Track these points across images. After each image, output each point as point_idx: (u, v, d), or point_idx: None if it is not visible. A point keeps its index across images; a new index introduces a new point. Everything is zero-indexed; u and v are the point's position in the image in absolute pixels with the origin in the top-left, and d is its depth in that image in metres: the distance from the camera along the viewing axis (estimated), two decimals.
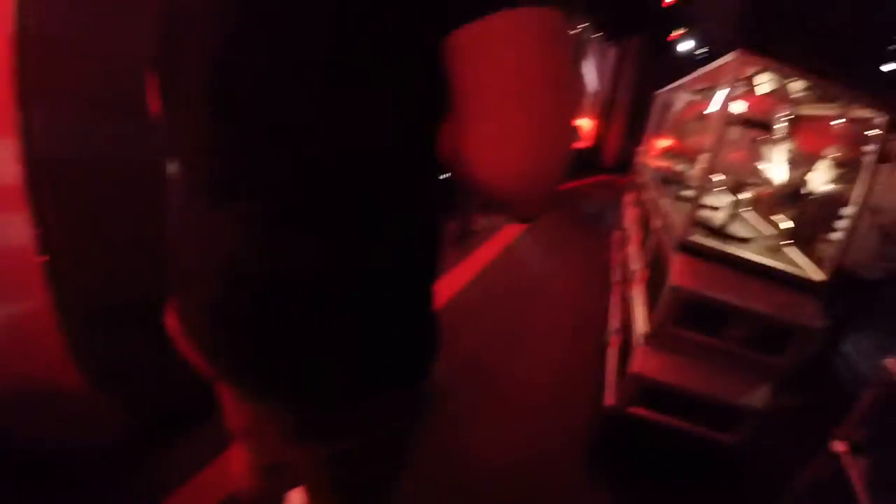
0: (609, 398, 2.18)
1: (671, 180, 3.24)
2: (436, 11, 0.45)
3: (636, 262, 2.85)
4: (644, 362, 1.94)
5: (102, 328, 1.67)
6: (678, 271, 1.85)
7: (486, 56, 0.45)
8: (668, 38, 10.86)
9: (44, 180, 1.46)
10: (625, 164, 10.06)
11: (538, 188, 0.49)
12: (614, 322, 2.89)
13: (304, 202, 0.55)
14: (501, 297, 3.41)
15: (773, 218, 2.21)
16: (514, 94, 0.46)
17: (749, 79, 2.10)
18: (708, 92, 3.34)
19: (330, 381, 0.62)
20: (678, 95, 4.43)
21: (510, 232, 4.96)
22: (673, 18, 9.86)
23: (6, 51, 1.39)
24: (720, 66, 2.13)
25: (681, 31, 10.68)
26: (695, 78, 3.06)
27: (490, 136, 0.47)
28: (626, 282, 2.90)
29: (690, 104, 3.65)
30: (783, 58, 1.72)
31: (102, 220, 1.64)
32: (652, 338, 1.95)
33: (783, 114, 2.04)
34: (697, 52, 10.60)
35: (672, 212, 2.29)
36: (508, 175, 0.48)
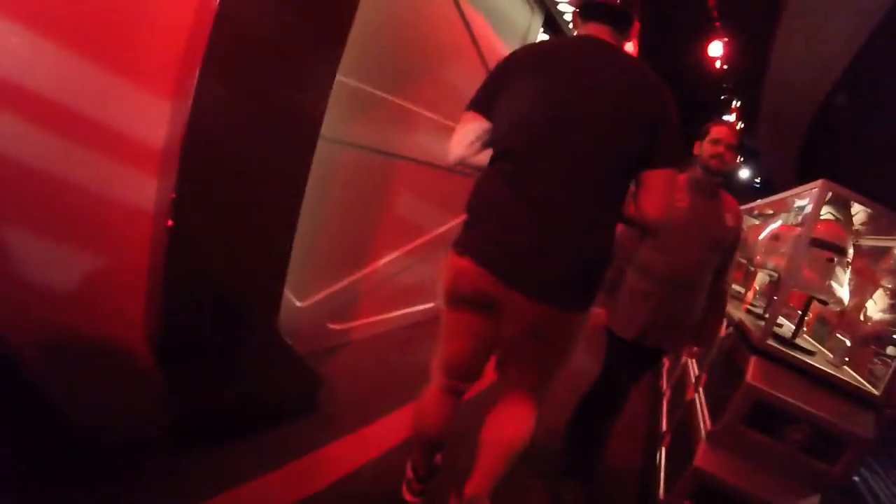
0: (663, 493, 2.21)
1: (737, 296, 3.38)
2: (651, 160, 1.42)
3: (696, 368, 2.93)
4: (706, 458, 1.99)
5: (195, 309, 1.71)
6: (753, 372, 1.97)
7: (656, 176, 1.44)
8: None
9: (195, 150, 1.53)
10: None
11: (658, 220, 1.45)
12: (667, 423, 2.92)
13: (605, 217, 1.47)
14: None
15: (838, 335, 2.34)
16: (659, 190, 1.44)
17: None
18: (772, 216, 3.54)
19: (586, 296, 1.49)
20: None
21: None
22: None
23: (193, 19, 1.55)
24: (793, 194, 2.36)
25: (739, 160, 11.27)
26: (765, 203, 3.30)
27: (649, 199, 1.45)
28: (685, 385, 2.97)
29: (753, 227, 3.85)
30: (863, 191, 1.96)
31: (235, 211, 1.72)
32: (717, 435, 2.02)
33: (852, 239, 2.25)
34: (756, 180, 10.98)
35: (745, 322, 2.42)
36: (650, 213, 1.44)
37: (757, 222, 4.08)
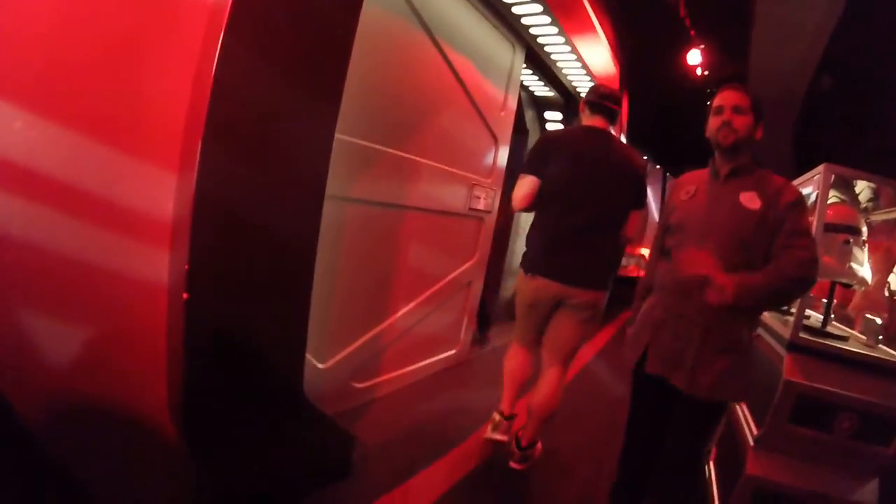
0: None
1: None
2: (633, 205, 2.37)
3: None
4: (757, 464, 1.92)
5: (218, 380, 1.70)
6: (790, 369, 1.93)
7: (635, 214, 2.39)
8: None
9: (205, 219, 1.53)
10: None
11: (634, 239, 2.54)
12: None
13: (609, 237, 2.37)
14: (587, 412, 3.39)
15: (867, 316, 2.27)
16: (636, 222, 2.38)
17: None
18: None
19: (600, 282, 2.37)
20: None
21: (585, 353, 4.96)
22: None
23: (192, 92, 1.54)
24: (797, 183, 2.35)
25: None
26: None
27: (630, 228, 2.39)
28: None
29: None
30: (863, 168, 1.95)
31: (250, 276, 1.72)
32: (764, 439, 1.94)
33: (863, 217, 2.23)
34: None
35: (772, 321, 2.39)
36: (632, 236, 2.40)
37: None
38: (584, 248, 2.32)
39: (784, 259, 1.63)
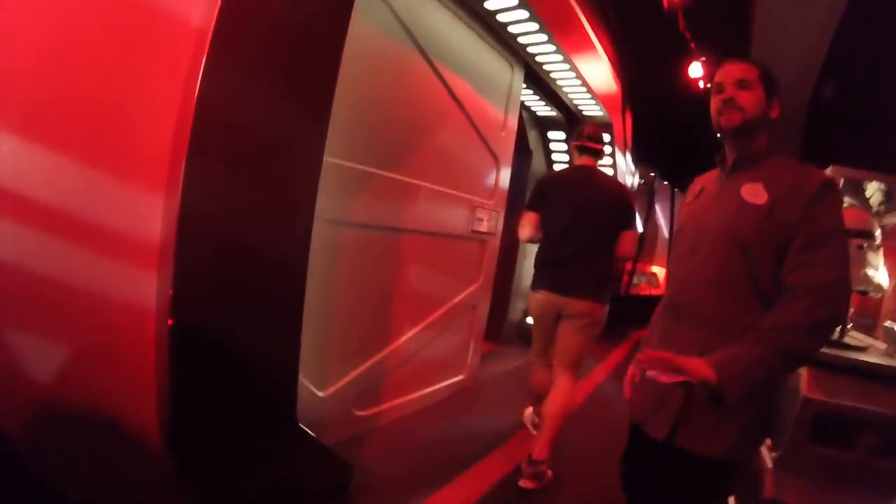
0: None
1: None
2: (622, 226, 2.75)
3: None
4: (776, 486, 1.80)
5: (206, 406, 1.65)
6: (808, 384, 1.82)
7: (625, 234, 2.76)
8: None
9: (190, 242, 1.49)
10: None
11: (630, 257, 3.01)
12: None
13: (601, 255, 2.75)
14: (601, 432, 3.26)
15: (886, 324, 2.15)
16: (627, 241, 2.77)
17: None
18: None
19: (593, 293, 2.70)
20: None
21: (598, 374, 4.83)
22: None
23: (177, 114, 1.50)
24: None
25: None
26: None
27: (622, 246, 2.76)
28: None
29: None
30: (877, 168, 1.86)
31: (237, 300, 1.67)
32: (782, 459, 1.82)
33: (876, 221, 2.12)
34: None
35: None
36: (626, 254, 2.79)
37: None
38: (578, 267, 2.71)
39: (791, 297, 1.22)
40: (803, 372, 1.86)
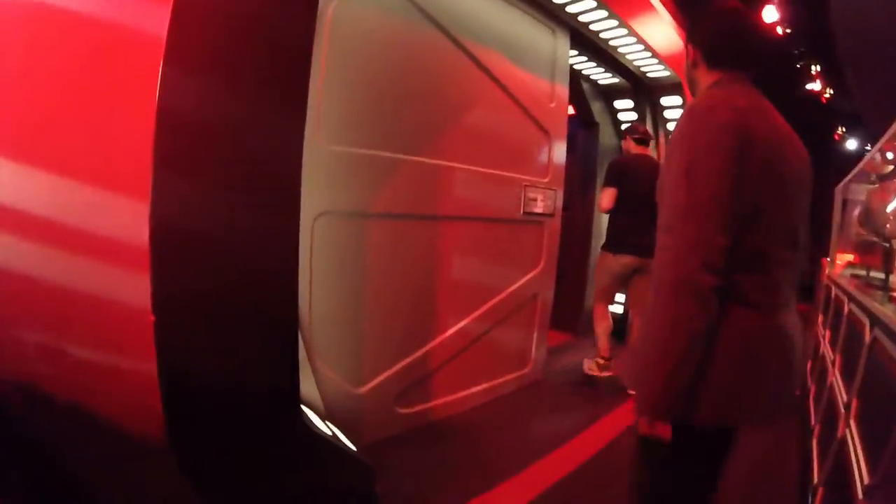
0: None
1: (879, 285, 2.64)
2: None
3: (843, 394, 2.25)
4: None
5: (198, 407, 1.60)
6: None
7: None
8: (835, 138, 9.70)
9: (163, 238, 1.45)
10: (802, 287, 8.82)
11: None
12: (819, 473, 2.23)
13: None
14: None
15: None
16: None
17: None
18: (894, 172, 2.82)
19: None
20: (858, 188, 3.87)
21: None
22: (834, 116, 8.77)
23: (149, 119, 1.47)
24: None
25: (842, 131, 9.46)
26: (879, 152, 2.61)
27: None
28: (832, 420, 2.28)
29: (875, 192, 3.11)
30: None
31: (222, 294, 1.61)
32: (877, 490, 1.42)
33: None
34: (865, 148, 9.17)
35: (893, 317, 1.78)
36: None
37: (876, 186, 3.29)
38: (652, 234, 2.60)
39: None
40: None
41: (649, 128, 4.65)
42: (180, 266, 1.51)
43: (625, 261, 3.54)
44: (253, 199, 1.64)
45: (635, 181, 3.48)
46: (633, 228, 3.45)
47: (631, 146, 3.75)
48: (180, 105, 1.46)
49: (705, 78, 1.32)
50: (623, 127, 4.68)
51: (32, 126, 1.53)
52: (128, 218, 1.53)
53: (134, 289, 1.54)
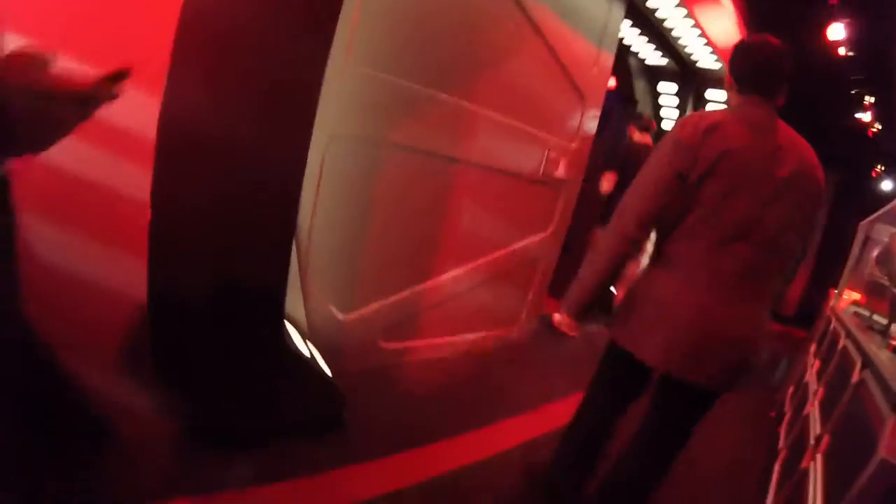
0: None
1: (879, 329, 2.61)
2: None
3: (817, 427, 2.25)
4: None
5: (183, 312, 1.62)
6: (891, 442, 1.32)
7: None
8: (872, 174, 9.37)
9: (171, 139, 1.47)
10: (805, 314, 8.75)
11: None
12: (775, 498, 2.27)
13: None
14: None
15: None
16: None
17: None
18: None
19: None
20: (884, 228, 3.78)
21: None
22: (876, 152, 8.42)
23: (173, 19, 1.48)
24: None
25: (881, 168, 9.11)
26: None
27: None
28: (799, 449, 2.30)
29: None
30: None
31: (221, 202, 1.61)
32: None
33: None
34: None
35: (885, 363, 1.75)
36: None
37: None
38: None
39: None
40: (890, 421, 1.40)
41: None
42: (183, 166, 1.52)
43: None
44: (266, 110, 1.61)
45: (635, 167, 3.30)
46: None
47: (635, 134, 3.99)
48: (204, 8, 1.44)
49: (734, 100, 1.58)
50: (661, 111, 4.54)
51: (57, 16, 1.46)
52: (137, 113, 1.50)
53: (135, 183, 1.56)
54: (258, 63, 1.56)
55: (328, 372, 2.08)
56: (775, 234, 1.47)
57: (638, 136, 4.00)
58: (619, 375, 1.75)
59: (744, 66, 1.55)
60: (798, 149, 1.50)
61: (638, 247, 1.54)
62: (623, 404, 1.77)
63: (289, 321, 2.09)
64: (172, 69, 1.41)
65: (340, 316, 2.44)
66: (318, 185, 2.16)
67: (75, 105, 0.75)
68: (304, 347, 2.11)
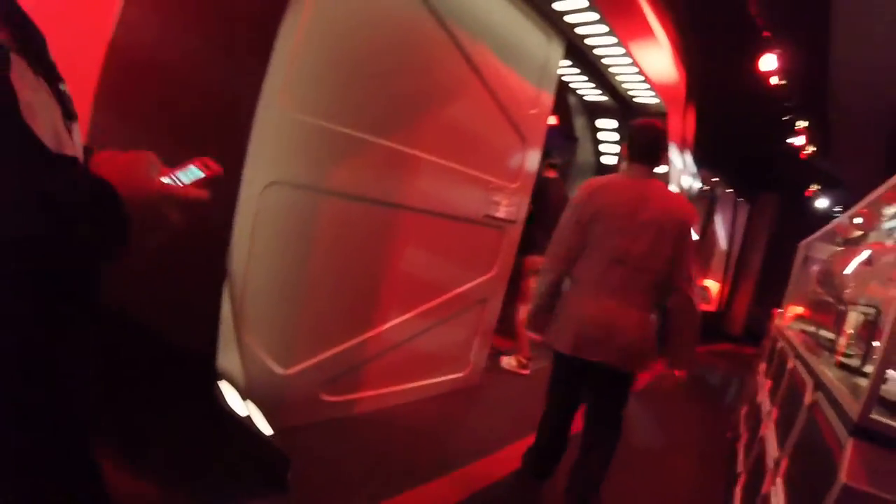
0: None
1: (826, 345, 2.66)
2: None
3: (774, 449, 2.23)
4: None
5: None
6: (851, 466, 1.29)
7: None
8: (806, 194, 10.02)
9: None
10: (752, 332, 9.01)
11: None
12: None
13: None
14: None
15: None
16: None
17: None
18: (862, 238, 2.88)
19: None
20: (823, 247, 3.95)
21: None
22: (810, 172, 9.05)
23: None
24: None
25: (815, 188, 9.80)
26: (849, 217, 2.64)
27: None
28: (759, 472, 2.27)
29: (838, 255, 3.17)
30: None
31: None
32: None
33: None
34: (835, 209, 9.49)
35: (837, 385, 1.75)
36: None
37: (841, 249, 3.36)
38: None
39: None
40: (849, 443, 1.38)
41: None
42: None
43: None
44: (193, 150, 1.49)
45: (545, 199, 4.04)
46: None
47: (549, 172, 4.22)
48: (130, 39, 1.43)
49: (625, 165, 2.22)
50: (600, 147, 4.66)
51: None
52: None
53: None
54: (186, 102, 1.48)
55: (269, 431, 1.92)
56: (642, 259, 2.05)
57: (547, 172, 4.15)
58: (560, 370, 2.27)
59: (632, 142, 2.19)
60: (663, 200, 2.11)
61: (566, 273, 2.20)
62: (573, 393, 2.27)
63: (225, 379, 1.94)
64: (97, 99, 1.33)
65: (279, 370, 2.30)
66: (252, 233, 2.05)
67: (180, 208, 0.74)
68: (241, 407, 1.95)
